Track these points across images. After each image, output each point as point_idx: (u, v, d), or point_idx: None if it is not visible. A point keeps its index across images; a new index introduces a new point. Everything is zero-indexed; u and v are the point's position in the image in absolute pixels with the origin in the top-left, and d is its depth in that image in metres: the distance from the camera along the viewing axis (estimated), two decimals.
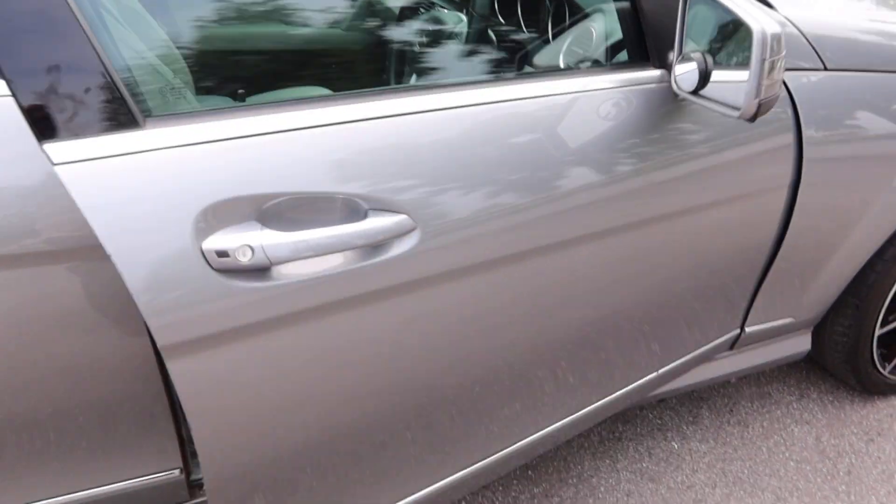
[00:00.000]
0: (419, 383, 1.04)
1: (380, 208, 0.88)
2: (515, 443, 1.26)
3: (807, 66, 1.30)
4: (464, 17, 1.71)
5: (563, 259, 1.09)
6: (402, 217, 0.89)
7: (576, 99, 1.05)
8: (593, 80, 1.09)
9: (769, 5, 1.33)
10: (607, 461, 1.67)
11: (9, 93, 0.73)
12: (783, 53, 0.96)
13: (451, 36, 1.66)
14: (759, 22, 0.95)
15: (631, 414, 1.81)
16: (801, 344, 1.68)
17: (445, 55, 1.60)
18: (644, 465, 1.66)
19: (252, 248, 0.81)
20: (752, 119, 0.99)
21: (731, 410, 1.83)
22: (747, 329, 1.53)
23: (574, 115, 1.05)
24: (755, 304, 1.49)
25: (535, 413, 1.25)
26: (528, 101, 1.02)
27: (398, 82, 1.49)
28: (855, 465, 1.66)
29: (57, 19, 0.73)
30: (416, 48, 1.59)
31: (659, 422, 1.79)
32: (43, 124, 0.74)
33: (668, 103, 1.13)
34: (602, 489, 1.60)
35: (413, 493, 1.16)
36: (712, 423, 1.78)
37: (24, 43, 0.72)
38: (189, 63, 1.18)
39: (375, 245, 0.89)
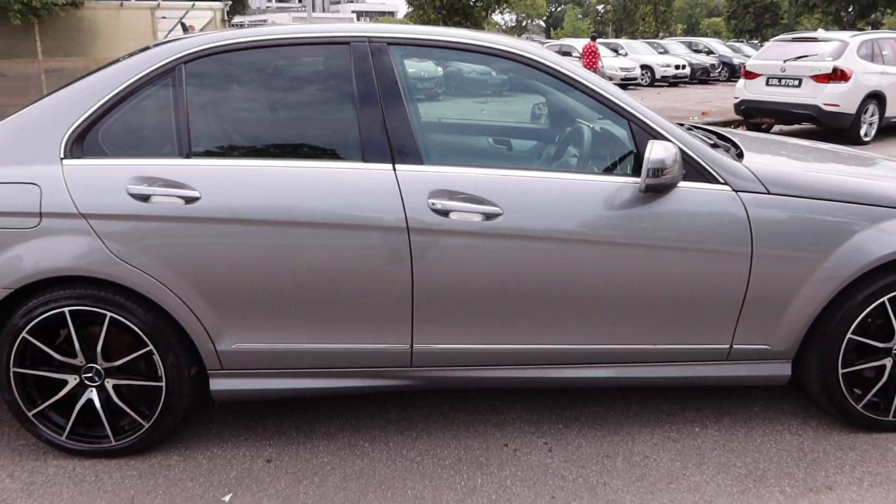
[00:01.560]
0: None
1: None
2: (533, 345, 2.40)
3: (755, 190, 2.41)
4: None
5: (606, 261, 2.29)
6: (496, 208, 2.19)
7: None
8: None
9: (740, 152, 2.50)
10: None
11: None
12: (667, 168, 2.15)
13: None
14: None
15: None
16: (783, 370, 2.60)
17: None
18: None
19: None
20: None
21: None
22: (735, 346, 2.52)
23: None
24: (738, 327, 2.49)
25: (557, 330, 2.39)
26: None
27: None
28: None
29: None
30: None
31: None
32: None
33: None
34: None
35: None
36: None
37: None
38: None
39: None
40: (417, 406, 2.81)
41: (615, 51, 24.17)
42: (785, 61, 10.27)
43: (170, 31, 15.35)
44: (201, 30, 13.71)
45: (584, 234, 2.34)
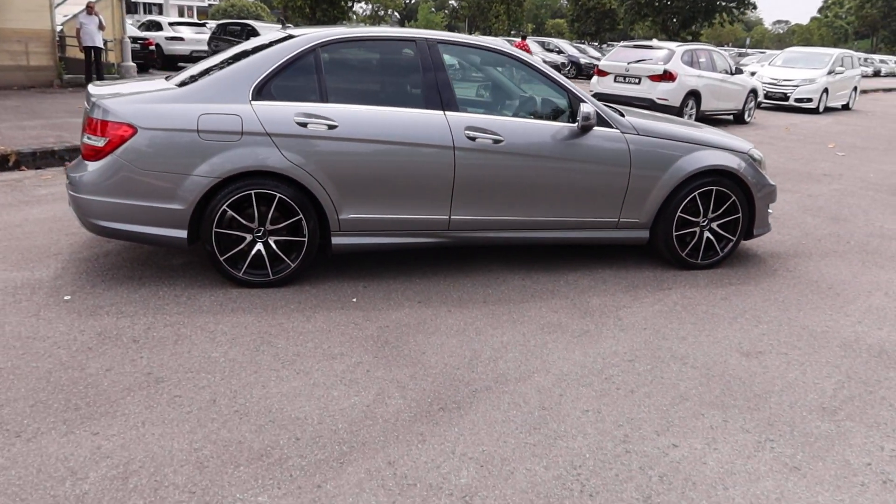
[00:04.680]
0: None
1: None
2: (517, 217, 4.32)
3: (632, 132, 4.44)
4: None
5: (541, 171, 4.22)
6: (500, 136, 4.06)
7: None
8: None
9: (622, 113, 4.54)
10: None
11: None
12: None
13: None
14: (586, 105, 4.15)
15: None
16: (645, 234, 4.68)
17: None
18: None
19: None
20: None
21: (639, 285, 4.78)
22: (621, 220, 4.55)
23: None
24: (623, 209, 4.52)
25: (530, 208, 4.31)
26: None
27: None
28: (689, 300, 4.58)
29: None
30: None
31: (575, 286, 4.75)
32: None
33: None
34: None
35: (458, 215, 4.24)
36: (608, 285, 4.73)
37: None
38: None
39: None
40: (449, 272, 4.60)
41: None
42: (629, 63, 12.94)
43: (60, 3, 15.52)
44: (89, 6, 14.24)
45: (546, 152, 4.25)
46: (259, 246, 3.99)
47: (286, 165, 3.84)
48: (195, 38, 20.09)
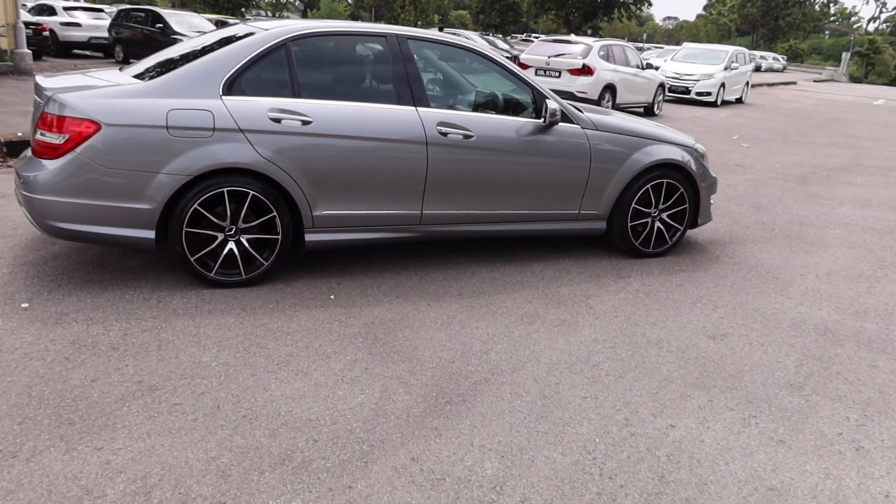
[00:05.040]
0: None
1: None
2: (484, 211, 4.43)
3: (592, 128, 4.61)
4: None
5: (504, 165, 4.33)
6: (470, 132, 4.14)
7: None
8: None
9: (581, 109, 4.69)
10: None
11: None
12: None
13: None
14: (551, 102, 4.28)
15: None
16: (602, 225, 4.87)
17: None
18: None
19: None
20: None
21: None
22: (581, 211, 4.73)
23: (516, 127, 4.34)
24: (583, 201, 4.69)
25: (496, 201, 4.42)
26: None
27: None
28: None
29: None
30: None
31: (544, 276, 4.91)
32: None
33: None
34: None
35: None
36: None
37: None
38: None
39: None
40: (418, 266, 4.62)
41: None
42: (549, 57, 13.28)
43: None
44: None
45: (513, 147, 4.35)
46: (231, 245, 3.87)
47: (260, 162, 3.75)
48: (93, 23, 18.89)
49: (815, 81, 44.44)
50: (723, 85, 19.07)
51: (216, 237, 3.83)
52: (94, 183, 3.55)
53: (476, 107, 4.49)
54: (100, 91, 3.62)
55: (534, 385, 3.12)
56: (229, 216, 3.81)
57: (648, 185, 4.85)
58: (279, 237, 3.93)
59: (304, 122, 3.83)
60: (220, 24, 19.86)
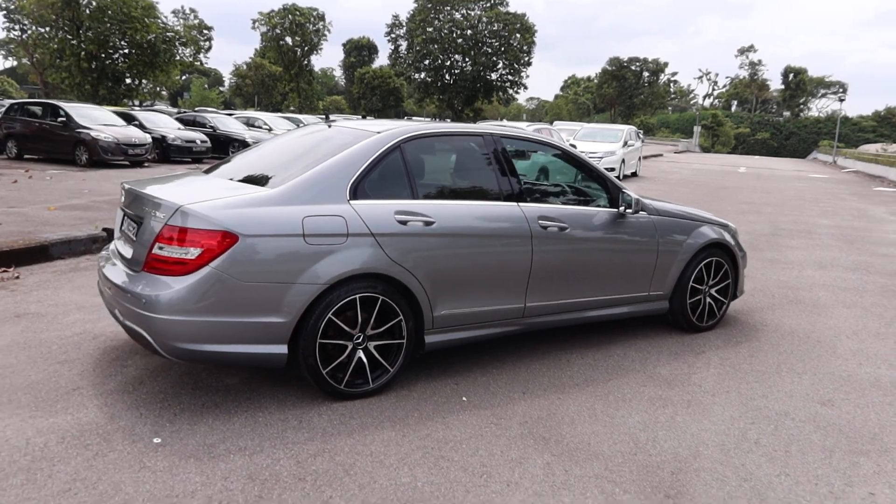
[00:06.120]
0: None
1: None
2: (575, 299, 4.54)
3: (654, 215, 4.90)
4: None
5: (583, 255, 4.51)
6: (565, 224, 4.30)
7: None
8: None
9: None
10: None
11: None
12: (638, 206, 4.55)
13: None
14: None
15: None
16: (665, 305, 5.10)
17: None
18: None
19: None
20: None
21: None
22: (650, 293, 4.94)
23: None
24: (652, 282, 4.91)
25: (583, 290, 4.55)
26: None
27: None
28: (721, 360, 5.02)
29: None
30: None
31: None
32: None
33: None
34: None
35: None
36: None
37: None
38: None
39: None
40: (507, 360, 4.59)
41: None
42: None
43: None
44: None
45: (599, 237, 4.54)
46: (360, 353, 3.70)
47: (390, 265, 3.66)
48: None
49: (675, 153, 48.95)
50: (623, 160, 20.59)
51: (346, 346, 3.66)
52: (230, 298, 3.32)
53: (563, 199, 4.65)
54: (229, 201, 3.44)
55: (723, 469, 3.18)
56: (360, 323, 3.66)
57: (702, 264, 5.17)
58: (404, 341, 3.82)
59: (427, 223, 3.81)
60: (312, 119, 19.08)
